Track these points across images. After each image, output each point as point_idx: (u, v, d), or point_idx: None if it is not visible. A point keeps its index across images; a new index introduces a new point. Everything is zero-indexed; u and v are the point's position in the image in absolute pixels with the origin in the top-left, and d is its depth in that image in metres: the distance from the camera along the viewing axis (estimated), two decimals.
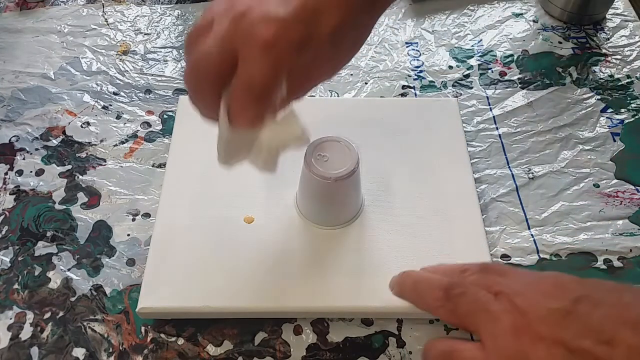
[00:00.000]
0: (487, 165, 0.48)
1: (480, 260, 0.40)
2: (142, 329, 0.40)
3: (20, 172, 0.48)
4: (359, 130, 0.44)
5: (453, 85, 0.54)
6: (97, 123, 0.51)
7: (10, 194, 0.46)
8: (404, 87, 0.54)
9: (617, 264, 0.43)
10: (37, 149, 0.49)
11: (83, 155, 0.49)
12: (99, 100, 0.53)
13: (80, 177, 0.47)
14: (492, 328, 0.30)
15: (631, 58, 0.56)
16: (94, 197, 0.46)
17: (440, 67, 0.55)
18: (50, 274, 0.42)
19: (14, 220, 0.45)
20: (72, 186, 0.47)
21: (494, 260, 0.42)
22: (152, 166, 0.48)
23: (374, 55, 0.56)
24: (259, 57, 0.27)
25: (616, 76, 0.54)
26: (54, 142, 0.50)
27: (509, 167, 0.48)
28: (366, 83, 0.54)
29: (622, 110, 0.52)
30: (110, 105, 0.52)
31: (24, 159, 0.49)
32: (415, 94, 0.53)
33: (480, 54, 0.56)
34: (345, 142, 0.39)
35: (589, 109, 0.52)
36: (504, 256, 0.43)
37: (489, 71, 0.55)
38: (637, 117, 0.51)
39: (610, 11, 0.59)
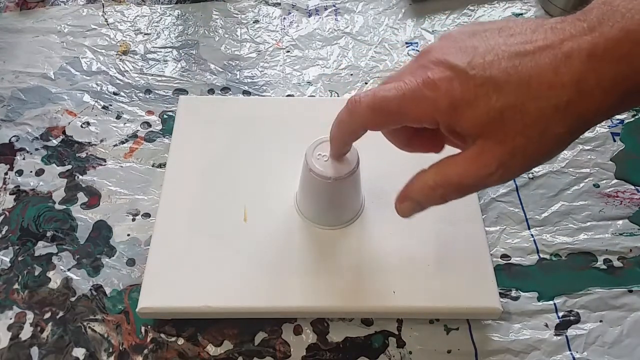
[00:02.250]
0: None
1: (481, 262, 0.40)
2: (142, 329, 0.40)
3: (20, 172, 0.48)
4: None
5: None
6: (97, 123, 0.51)
7: (10, 194, 0.46)
8: None
9: (617, 264, 0.43)
10: (37, 149, 0.49)
11: (83, 155, 0.49)
12: (99, 100, 0.53)
13: (80, 177, 0.47)
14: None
15: None
16: (94, 197, 0.46)
17: None
18: (50, 274, 0.42)
19: (14, 220, 0.45)
20: (72, 186, 0.47)
21: (494, 261, 0.42)
22: (152, 166, 0.48)
23: (374, 55, 0.56)
24: None
25: None
26: (54, 142, 0.50)
27: None
28: (366, 83, 0.54)
29: None
30: (110, 105, 0.52)
31: (24, 159, 0.49)
32: None
33: None
34: None
35: None
36: (504, 256, 0.43)
37: None
38: (637, 117, 0.51)
39: None
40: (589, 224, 0.45)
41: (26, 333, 0.39)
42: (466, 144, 0.28)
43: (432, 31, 0.59)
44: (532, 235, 0.44)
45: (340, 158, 0.37)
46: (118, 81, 0.54)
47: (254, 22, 0.59)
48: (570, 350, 0.39)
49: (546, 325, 0.40)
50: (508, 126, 0.26)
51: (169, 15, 0.60)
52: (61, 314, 0.40)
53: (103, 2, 0.61)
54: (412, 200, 0.32)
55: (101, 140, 0.50)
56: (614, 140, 0.50)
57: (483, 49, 0.27)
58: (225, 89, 0.54)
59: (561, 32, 0.26)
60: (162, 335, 0.39)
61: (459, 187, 0.29)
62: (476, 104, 0.26)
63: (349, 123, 0.32)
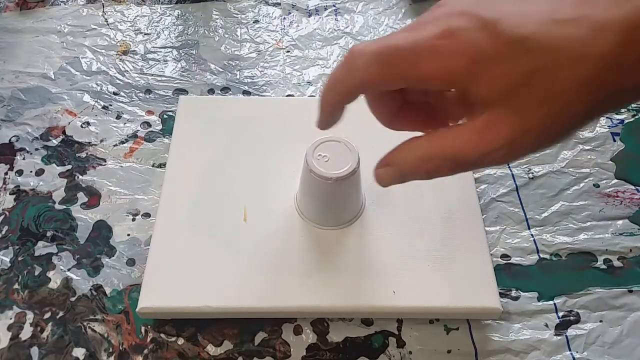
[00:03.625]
0: None
1: (481, 262, 0.40)
2: (142, 329, 0.40)
3: (20, 172, 0.48)
4: (359, 130, 0.44)
5: None
6: (97, 123, 0.51)
7: (10, 194, 0.46)
8: None
9: (617, 263, 0.43)
10: (37, 149, 0.49)
11: (83, 155, 0.49)
12: (99, 100, 0.53)
13: (80, 177, 0.47)
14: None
15: None
16: (94, 197, 0.46)
17: None
18: (50, 274, 0.42)
19: (14, 220, 0.45)
20: (72, 186, 0.47)
21: (494, 261, 0.42)
22: (152, 166, 0.48)
23: None
24: None
25: None
26: (54, 142, 0.50)
27: (509, 167, 0.48)
28: None
29: (622, 110, 0.52)
30: (110, 105, 0.52)
31: (24, 159, 0.49)
32: None
33: None
34: (345, 142, 0.39)
35: None
36: (504, 256, 0.43)
37: None
38: (637, 117, 0.51)
39: None
40: (589, 224, 0.45)
41: (26, 333, 0.39)
42: (472, 115, 0.25)
43: None
44: (532, 235, 0.44)
45: (328, 127, 0.31)
46: (118, 81, 0.54)
47: (254, 22, 0.59)
48: (570, 350, 0.39)
49: (546, 325, 0.40)
50: (531, 94, 0.23)
51: (169, 15, 0.60)
52: (61, 314, 0.40)
53: (103, 2, 0.61)
54: (396, 168, 0.28)
55: (101, 140, 0.50)
56: (614, 140, 0.50)
57: (509, 9, 0.24)
58: (225, 89, 0.54)
59: (591, 5, 0.23)
60: (162, 335, 0.39)
61: (454, 162, 0.26)
62: (502, 63, 0.23)
63: (346, 79, 0.27)
